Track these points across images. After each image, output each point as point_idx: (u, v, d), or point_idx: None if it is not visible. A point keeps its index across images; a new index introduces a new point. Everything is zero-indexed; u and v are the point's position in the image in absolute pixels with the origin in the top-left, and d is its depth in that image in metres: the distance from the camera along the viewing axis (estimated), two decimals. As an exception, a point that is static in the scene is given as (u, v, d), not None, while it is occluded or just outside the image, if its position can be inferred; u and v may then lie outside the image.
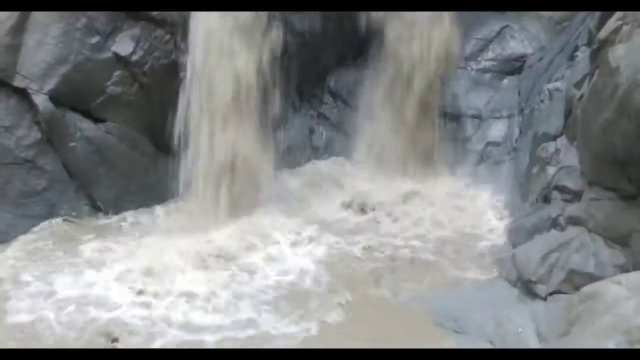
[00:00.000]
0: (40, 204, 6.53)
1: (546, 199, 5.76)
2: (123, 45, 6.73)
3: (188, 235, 6.23)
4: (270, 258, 6.03)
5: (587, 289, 4.27)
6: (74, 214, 6.64)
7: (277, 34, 6.99)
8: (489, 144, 7.52)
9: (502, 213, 6.74)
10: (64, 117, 6.57)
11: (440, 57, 7.55)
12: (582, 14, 6.96)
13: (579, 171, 5.36)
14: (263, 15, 6.87)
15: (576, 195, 5.32)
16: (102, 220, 6.73)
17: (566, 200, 5.46)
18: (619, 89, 4.55)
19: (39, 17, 6.46)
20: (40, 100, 6.43)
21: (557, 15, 7.76)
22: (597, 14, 5.62)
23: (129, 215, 6.80)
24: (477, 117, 7.69)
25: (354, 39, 8.07)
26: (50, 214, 6.55)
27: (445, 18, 7.49)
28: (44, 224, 6.46)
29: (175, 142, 6.69)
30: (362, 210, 7.04)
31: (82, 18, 6.54)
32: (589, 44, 5.79)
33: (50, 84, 6.48)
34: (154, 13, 6.80)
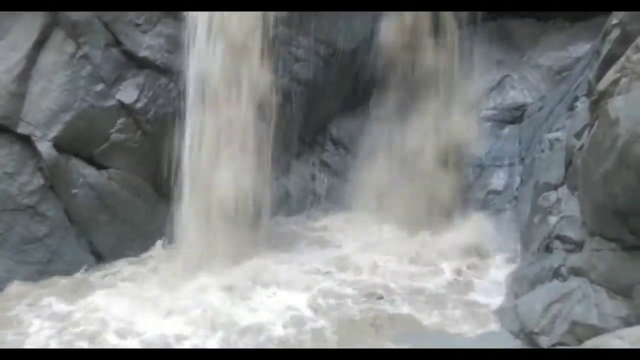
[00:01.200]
0: (41, 250, 6.42)
1: (548, 249, 5.69)
2: (127, 93, 6.77)
3: (180, 284, 6.10)
4: (263, 307, 5.84)
5: (589, 343, 4.16)
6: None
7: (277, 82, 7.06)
8: (490, 192, 7.53)
9: (504, 262, 6.64)
10: (67, 163, 6.54)
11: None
12: (581, 64, 7.01)
13: (581, 221, 5.29)
14: (267, 64, 6.91)
15: (578, 246, 5.26)
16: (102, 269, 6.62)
17: (568, 250, 5.39)
18: (618, 140, 4.51)
19: (44, 65, 6.49)
20: (44, 147, 6.40)
21: (556, 65, 7.86)
22: (596, 65, 5.62)
23: (128, 262, 6.72)
24: (479, 165, 7.69)
25: (356, 88, 8.18)
26: (50, 260, 6.43)
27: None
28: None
29: (173, 186, 6.68)
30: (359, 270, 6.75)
31: (87, 66, 6.59)
32: (588, 94, 5.80)
33: (55, 130, 6.46)
34: (158, 62, 6.86)
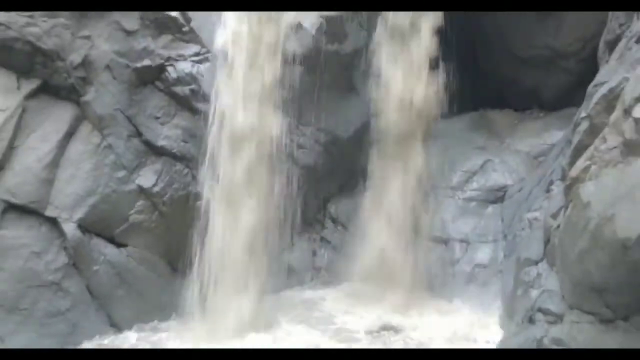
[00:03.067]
0: (63, 323, 6.41)
1: (531, 320, 5.66)
2: (146, 178, 6.88)
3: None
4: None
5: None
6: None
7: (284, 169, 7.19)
8: (476, 266, 7.52)
9: (491, 332, 6.58)
10: (90, 243, 6.62)
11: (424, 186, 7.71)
12: (555, 151, 7.15)
13: (560, 295, 5.31)
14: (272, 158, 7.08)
15: (558, 318, 5.25)
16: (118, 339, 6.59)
17: (549, 322, 5.38)
18: (590, 222, 4.62)
19: (72, 154, 6.63)
20: (70, 228, 6.49)
21: (533, 151, 8.03)
22: (568, 153, 5.76)
23: (144, 335, 6.66)
24: (465, 241, 7.75)
25: (352, 171, 8.30)
26: (71, 332, 6.42)
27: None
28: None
29: (186, 262, 6.71)
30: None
31: (111, 155, 6.74)
32: (562, 179, 5.91)
33: (79, 213, 6.56)
34: (175, 150, 6.99)
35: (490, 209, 7.86)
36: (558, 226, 5.51)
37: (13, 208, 6.38)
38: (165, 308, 6.92)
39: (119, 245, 6.80)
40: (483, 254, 7.52)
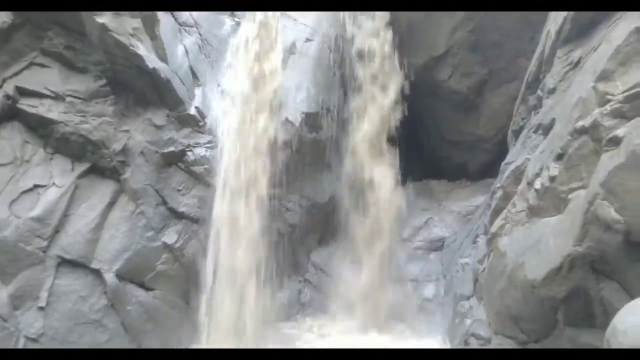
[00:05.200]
0: (102, 353, 6.26)
1: (466, 343, 5.66)
2: (170, 236, 6.81)
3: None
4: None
5: None
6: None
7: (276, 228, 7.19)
8: (424, 300, 7.48)
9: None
10: (125, 288, 6.49)
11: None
12: (479, 211, 7.23)
13: (487, 323, 5.33)
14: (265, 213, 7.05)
15: (487, 341, 5.26)
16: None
17: (480, 344, 5.38)
18: (507, 267, 4.67)
19: (112, 219, 6.58)
20: (109, 277, 6.38)
21: (463, 211, 8.13)
22: (489, 213, 5.84)
23: None
24: (415, 280, 7.72)
25: (328, 227, 8.29)
26: (109, 360, 6.25)
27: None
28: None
29: (199, 302, 6.67)
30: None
31: (142, 219, 6.68)
32: (485, 233, 6.00)
33: (117, 264, 6.46)
34: (192, 214, 6.93)
35: (433, 255, 7.89)
36: (483, 269, 5.55)
37: (66, 262, 6.28)
38: (184, 338, 6.74)
39: (148, 289, 6.68)
40: (429, 290, 7.50)
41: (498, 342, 5.01)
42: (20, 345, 5.91)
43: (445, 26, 8.22)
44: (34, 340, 6.00)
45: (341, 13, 8.22)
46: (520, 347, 4.71)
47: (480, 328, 5.41)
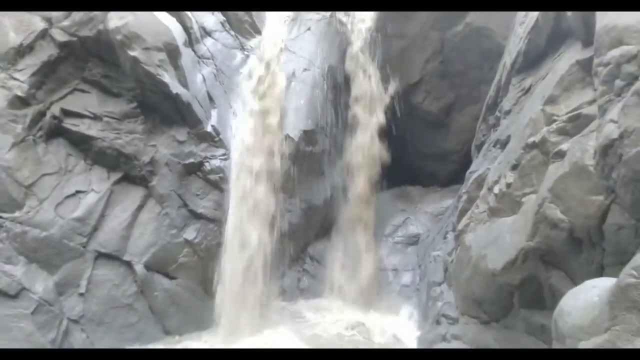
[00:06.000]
0: (133, 332, 6.20)
1: (438, 322, 5.65)
2: (190, 233, 6.73)
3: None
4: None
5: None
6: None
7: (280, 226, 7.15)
8: (403, 286, 7.45)
9: (413, 329, 6.47)
10: (152, 277, 6.45)
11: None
12: (448, 211, 7.19)
13: (455, 305, 5.32)
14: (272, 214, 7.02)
15: (455, 320, 5.23)
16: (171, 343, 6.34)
17: (450, 324, 5.35)
18: (472, 259, 4.65)
19: (142, 220, 6.50)
20: (139, 268, 6.35)
21: (435, 211, 8.08)
22: (456, 214, 5.80)
23: (187, 338, 6.42)
24: (395, 269, 7.69)
25: (323, 225, 8.25)
26: (138, 338, 6.19)
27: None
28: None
29: (215, 289, 6.60)
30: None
31: (167, 220, 6.61)
32: (453, 230, 5.98)
33: (145, 257, 6.42)
34: (209, 215, 6.84)
35: (410, 249, 7.85)
36: (452, 261, 5.53)
37: (102, 255, 6.25)
38: (203, 320, 6.66)
39: (171, 278, 6.61)
40: (406, 278, 7.46)
41: (464, 322, 4.98)
42: (64, 326, 5.85)
43: (420, 59, 8.28)
44: (75, 321, 5.96)
45: (335, 48, 8.23)
46: (483, 325, 4.68)
47: (450, 310, 5.40)
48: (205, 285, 6.80)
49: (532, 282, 3.84)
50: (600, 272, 3.21)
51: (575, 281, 3.34)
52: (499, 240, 4.24)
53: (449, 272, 5.61)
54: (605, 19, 3.39)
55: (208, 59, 7.43)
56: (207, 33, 7.50)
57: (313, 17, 8.34)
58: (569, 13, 4.09)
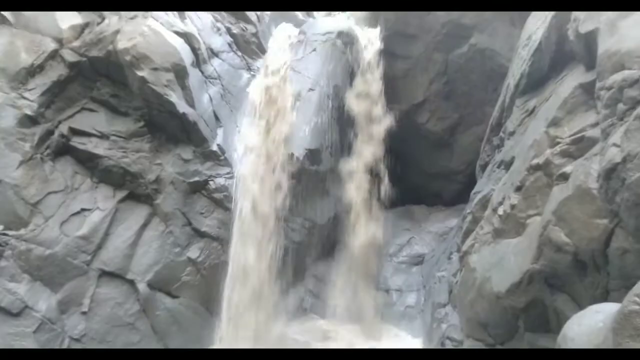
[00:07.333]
0: (134, 351, 6.14)
1: (442, 345, 5.55)
2: (193, 252, 6.73)
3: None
4: None
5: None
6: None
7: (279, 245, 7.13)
8: (407, 307, 7.33)
9: (418, 352, 6.38)
10: (155, 296, 6.43)
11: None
12: (453, 231, 7.14)
13: (460, 328, 5.25)
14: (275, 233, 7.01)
15: (460, 343, 5.16)
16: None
17: (454, 346, 5.26)
18: (476, 281, 4.61)
19: (146, 238, 6.52)
20: (142, 287, 6.35)
21: (439, 231, 8.01)
22: (460, 234, 5.76)
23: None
24: (399, 290, 7.59)
25: (326, 246, 8.20)
26: (140, 357, 6.13)
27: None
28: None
29: (218, 309, 6.55)
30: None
31: (171, 238, 6.62)
32: (457, 251, 5.94)
33: (148, 276, 6.42)
34: (213, 234, 6.81)
35: (414, 269, 7.76)
36: (457, 282, 5.48)
37: (106, 274, 6.28)
38: (205, 339, 6.60)
39: (174, 297, 6.59)
40: (411, 299, 7.35)
41: (469, 344, 4.91)
42: (66, 344, 5.83)
43: (424, 79, 8.36)
44: (77, 340, 5.94)
45: (340, 68, 8.34)
46: (487, 348, 4.61)
47: (454, 332, 5.33)
48: (208, 305, 6.76)
49: (537, 305, 3.81)
50: (605, 296, 3.18)
51: (580, 305, 3.31)
52: (503, 262, 4.22)
53: (454, 294, 5.57)
54: (607, 43, 3.45)
55: (215, 79, 7.55)
56: (214, 54, 7.64)
57: (319, 39, 8.48)
58: (572, 37, 4.15)
